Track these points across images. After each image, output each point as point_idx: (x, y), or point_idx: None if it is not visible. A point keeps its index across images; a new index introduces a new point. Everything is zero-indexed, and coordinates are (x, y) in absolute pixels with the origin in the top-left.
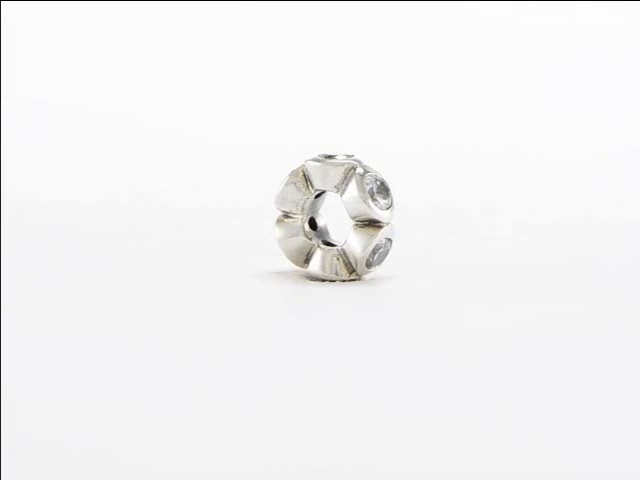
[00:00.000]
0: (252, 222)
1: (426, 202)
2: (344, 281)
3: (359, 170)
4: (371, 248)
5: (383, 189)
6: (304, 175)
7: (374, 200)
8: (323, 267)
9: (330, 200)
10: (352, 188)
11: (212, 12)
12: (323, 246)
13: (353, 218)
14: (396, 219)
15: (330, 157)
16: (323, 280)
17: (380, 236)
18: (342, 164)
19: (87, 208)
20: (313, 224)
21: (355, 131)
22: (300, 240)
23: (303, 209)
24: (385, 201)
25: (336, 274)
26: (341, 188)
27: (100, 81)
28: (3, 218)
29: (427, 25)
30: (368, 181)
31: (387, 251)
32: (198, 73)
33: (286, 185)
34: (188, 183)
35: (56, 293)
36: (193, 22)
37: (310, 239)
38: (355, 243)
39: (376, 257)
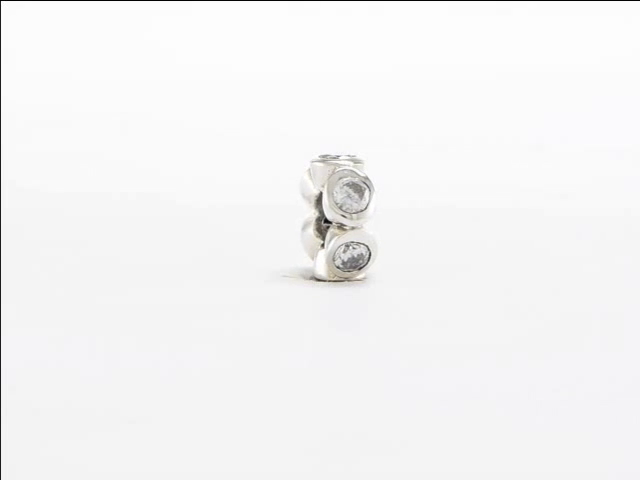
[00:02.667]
0: (268, 220)
1: (425, 203)
2: (330, 282)
3: (334, 174)
4: (331, 249)
5: (353, 195)
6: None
7: (338, 204)
8: (318, 266)
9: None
10: (324, 191)
11: (222, 14)
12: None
13: (330, 220)
14: (375, 225)
15: (326, 157)
16: (327, 281)
17: (343, 239)
18: (329, 165)
19: (111, 204)
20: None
21: (380, 132)
22: (311, 237)
23: (316, 206)
24: (356, 206)
25: (338, 276)
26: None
27: (120, 79)
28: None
29: (428, 28)
30: (338, 186)
31: (362, 256)
32: (218, 76)
33: (301, 182)
34: (205, 182)
35: (82, 291)
36: (205, 25)
37: (318, 237)
38: (326, 244)
39: (343, 260)
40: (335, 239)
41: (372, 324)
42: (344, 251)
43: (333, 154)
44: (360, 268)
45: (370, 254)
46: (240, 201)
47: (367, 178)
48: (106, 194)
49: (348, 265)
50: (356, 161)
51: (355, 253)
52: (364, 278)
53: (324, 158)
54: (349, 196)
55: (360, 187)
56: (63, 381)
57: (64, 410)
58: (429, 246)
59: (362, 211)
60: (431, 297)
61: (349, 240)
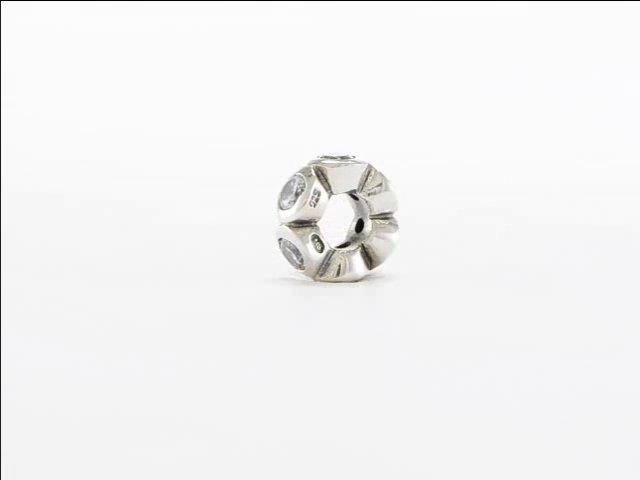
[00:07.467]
0: None
1: (425, 204)
2: (330, 282)
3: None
4: (276, 231)
5: (287, 192)
6: None
7: (279, 202)
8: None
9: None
10: None
11: (219, 16)
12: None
13: None
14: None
15: (326, 157)
16: (328, 281)
17: (276, 235)
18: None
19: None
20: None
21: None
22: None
23: None
24: (284, 202)
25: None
26: None
27: (115, 90)
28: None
29: (427, 30)
30: (285, 184)
31: (286, 253)
32: (212, 81)
33: None
34: (204, 182)
35: (75, 296)
36: (203, 29)
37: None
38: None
39: (287, 245)
40: (281, 226)
41: (372, 324)
42: (282, 246)
43: (333, 154)
44: (296, 266)
45: (302, 262)
46: (240, 200)
47: (310, 179)
48: (99, 200)
49: (290, 262)
50: (356, 162)
51: (292, 254)
52: (364, 278)
53: (322, 158)
54: (283, 195)
55: (289, 189)
56: (63, 384)
57: (63, 413)
58: (429, 246)
59: (283, 209)
60: (431, 297)
61: (280, 237)
